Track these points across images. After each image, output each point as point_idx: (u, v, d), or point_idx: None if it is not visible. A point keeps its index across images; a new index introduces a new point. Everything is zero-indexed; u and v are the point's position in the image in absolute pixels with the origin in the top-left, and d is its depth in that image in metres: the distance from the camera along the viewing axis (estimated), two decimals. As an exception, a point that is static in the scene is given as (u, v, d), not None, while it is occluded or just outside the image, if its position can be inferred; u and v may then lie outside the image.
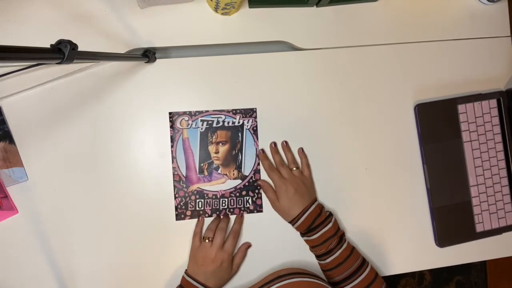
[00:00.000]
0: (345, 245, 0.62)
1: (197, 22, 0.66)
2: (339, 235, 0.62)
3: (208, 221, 0.66)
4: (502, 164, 0.71)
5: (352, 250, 0.63)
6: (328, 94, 0.69)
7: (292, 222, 0.63)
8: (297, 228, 0.64)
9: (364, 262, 0.62)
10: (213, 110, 0.66)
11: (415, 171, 0.70)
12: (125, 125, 0.65)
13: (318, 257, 0.64)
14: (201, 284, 0.60)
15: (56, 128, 0.64)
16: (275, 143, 0.67)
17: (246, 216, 0.67)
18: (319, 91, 0.69)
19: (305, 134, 0.68)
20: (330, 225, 0.62)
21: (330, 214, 0.64)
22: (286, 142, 0.67)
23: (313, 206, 0.63)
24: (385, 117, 0.70)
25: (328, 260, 0.62)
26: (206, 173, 0.66)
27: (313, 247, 0.63)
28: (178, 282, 0.64)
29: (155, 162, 0.65)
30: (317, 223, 0.62)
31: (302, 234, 0.64)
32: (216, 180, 0.66)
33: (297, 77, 0.69)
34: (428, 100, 0.71)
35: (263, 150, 0.66)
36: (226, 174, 0.67)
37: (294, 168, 0.65)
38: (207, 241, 0.62)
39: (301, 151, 0.68)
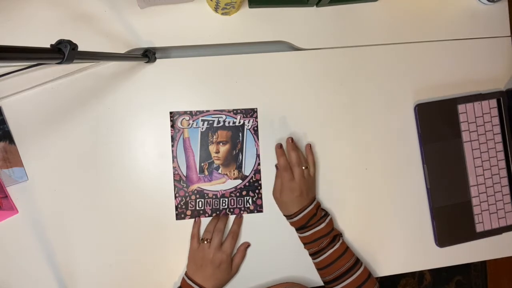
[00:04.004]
0: (337, 246, 0.62)
1: (197, 22, 0.66)
2: (332, 235, 0.62)
3: (206, 221, 0.66)
4: (502, 164, 0.71)
5: (345, 250, 0.62)
6: (328, 94, 0.69)
7: (288, 217, 0.64)
8: (291, 224, 0.64)
9: (356, 263, 0.62)
10: (214, 110, 0.66)
11: (415, 171, 0.70)
12: (125, 125, 0.65)
13: (310, 255, 0.64)
14: (200, 286, 0.60)
15: (56, 128, 0.64)
16: (292, 139, 0.65)
17: (246, 216, 0.67)
18: (319, 91, 0.69)
19: (305, 134, 0.68)
20: (323, 224, 0.62)
21: (326, 214, 0.64)
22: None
23: (310, 206, 0.63)
24: (385, 117, 0.70)
25: (319, 259, 0.62)
26: (206, 172, 0.66)
27: (305, 244, 0.64)
28: (178, 282, 0.64)
29: (156, 162, 0.65)
30: (311, 223, 0.62)
31: (296, 230, 0.65)
32: (216, 180, 0.66)
33: (297, 77, 0.69)
34: (428, 100, 0.71)
35: (280, 145, 0.65)
36: (226, 174, 0.67)
37: (304, 168, 0.64)
38: (205, 242, 0.62)
39: (309, 148, 0.67)
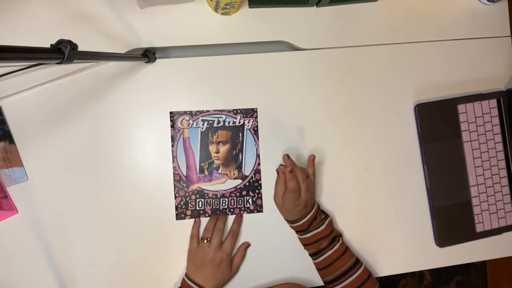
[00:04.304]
0: (337, 246, 0.62)
1: (197, 22, 0.66)
2: (332, 236, 0.62)
3: (206, 221, 0.66)
4: (502, 164, 0.71)
5: (345, 251, 0.62)
6: (328, 94, 0.69)
7: (288, 222, 0.64)
8: (292, 228, 0.64)
9: (356, 263, 0.62)
10: (214, 110, 0.66)
11: (415, 171, 0.70)
12: (125, 125, 0.65)
13: (310, 256, 0.64)
14: (200, 287, 0.60)
15: (56, 128, 0.64)
16: (288, 155, 0.61)
17: (246, 216, 0.67)
18: (319, 91, 0.69)
19: (305, 134, 0.68)
20: (323, 226, 0.62)
21: (326, 216, 0.65)
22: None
23: (311, 212, 0.62)
24: (385, 117, 0.70)
25: (319, 260, 0.62)
26: (206, 172, 0.66)
27: (305, 245, 0.64)
28: (178, 283, 0.64)
29: (156, 162, 0.65)
30: (312, 226, 0.62)
31: (296, 232, 0.65)
32: (216, 180, 0.66)
33: (297, 77, 0.69)
34: (428, 100, 0.71)
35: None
36: (226, 174, 0.67)
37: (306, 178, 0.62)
38: (205, 241, 0.62)
39: (312, 160, 0.64)
